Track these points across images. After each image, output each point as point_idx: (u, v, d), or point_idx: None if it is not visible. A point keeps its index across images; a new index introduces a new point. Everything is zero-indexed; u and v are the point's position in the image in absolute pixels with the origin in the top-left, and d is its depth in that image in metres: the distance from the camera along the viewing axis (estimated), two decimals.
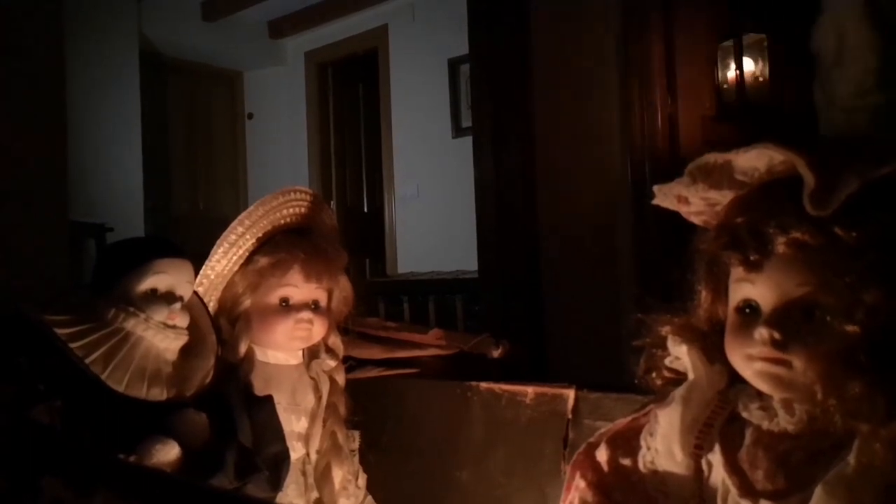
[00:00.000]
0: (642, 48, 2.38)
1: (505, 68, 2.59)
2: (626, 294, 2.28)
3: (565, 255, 2.43)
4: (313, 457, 1.39)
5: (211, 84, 6.57)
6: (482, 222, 2.71)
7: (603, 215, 2.37)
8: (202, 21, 6.04)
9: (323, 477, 1.39)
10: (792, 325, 0.78)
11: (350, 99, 6.59)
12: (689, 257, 0.91)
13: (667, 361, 0.92)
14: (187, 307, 1.24)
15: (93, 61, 4.99)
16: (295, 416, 1.39)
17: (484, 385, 1.46)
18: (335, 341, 1.45)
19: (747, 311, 0.82)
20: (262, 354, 1.40)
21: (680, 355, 0.90)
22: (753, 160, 0.82)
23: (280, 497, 1.29)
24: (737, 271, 0.83)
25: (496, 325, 2.48)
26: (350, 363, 1.51)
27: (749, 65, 2.63)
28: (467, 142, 3.04)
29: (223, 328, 1.36)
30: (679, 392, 0.88)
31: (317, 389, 1.42)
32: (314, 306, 1.40)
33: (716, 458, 0.84)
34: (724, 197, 0.86)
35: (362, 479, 1.46)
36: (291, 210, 1.41)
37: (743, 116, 2.55)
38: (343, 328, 1.48)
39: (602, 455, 0.92)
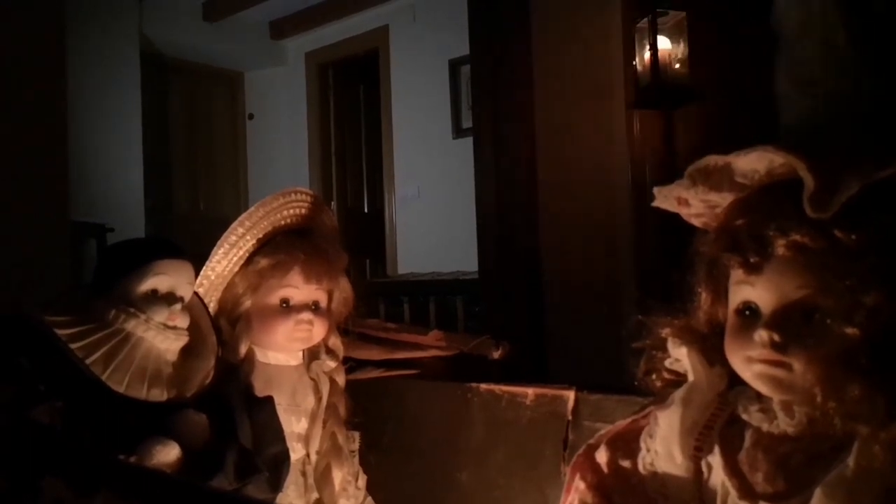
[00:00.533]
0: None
1: (506, 69, 2.59)
2: (627, 295, 2.28)
3: (565, 255, 2.43)
4: (313, 458, 1.39)
5: (212, 84, 6.57)
6: (482, 223, 2.71)
7: (603, 216, 2.37)
8: (203, 21, 6.04)
9: (323, 478, 1.39)
10: (792, 327, 0.78)
11: (351, 99, 6.59)
12: (689, 259, 0.91)
13: (667, 363, 0.92)
14: (188, 308, 1.24)
15: (93, 61, 4.99)
16: (295, 416, 1.39)
17: (484, 386, 1.46)
18: (335, 342, 1.45)
19: (747, 313, 0.82)
20: (262, 355, 1.40)
21: (680, 357, 0.90)
22: (753, 162, 0.82)
23: (280, 498, 1.29)
24: (737, 273, 0.83)
25: (496, 327, 2.48)
26: (350, 364, 1.51)
27: (665, 45, 2.36)
28: (468, 142, 3.03)
29: (223, 329, 1.37)
30: (679, 394, 0.88)
31: (317, 390, 1.43)
32: (314, 307, 1.40)
33: (715, 460, 0.84)
34: (724, 199, 0.87)
35: (362, 480, 1.46)
36: (292, 211, 1.41)
37: (659, 102, 2.33)
38: (343, 329, 1.48)
39: (602, 457, 0.92)
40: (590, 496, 0.91)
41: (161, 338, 1.20)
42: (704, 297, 0.89)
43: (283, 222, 1.41)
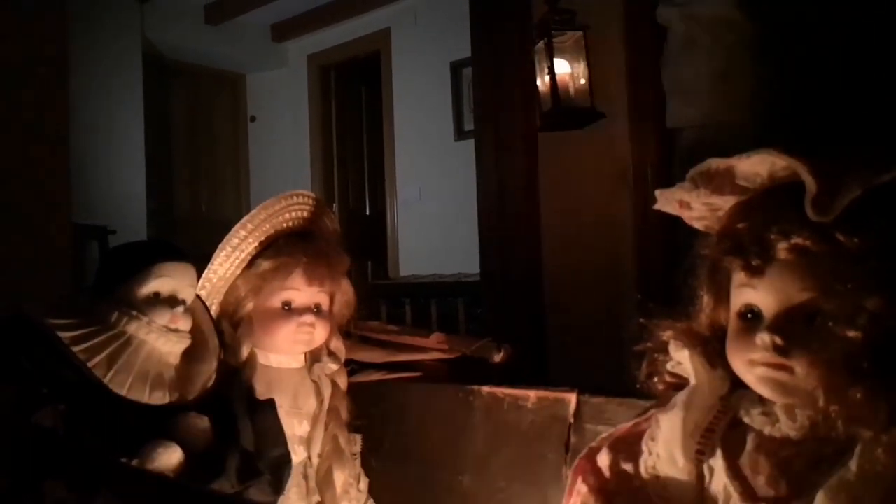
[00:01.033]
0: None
1: (507, 71, 2.59)
2: (629, 298, 2.27)
3: (567, 257, 2.43)
4: (315, 460, 1.39)
5: (213, 87, 6.57)
6: (484, 225, 2.71)
7: (605, 219, 2.37)
8: (205, 24, 6.05)
9: (324, 480, 1.39)
10: (794, 330, 0.78)
11: (352, 102, 6.59)
12: (691, 262, 0.91)
13: (668, 366, 0.92)
14: (190, 311, 1.24)
15: (96, 64, 5.00)
16: (297, 419, 1.39)
17: (486, 389, 1.45)
18: (337, 345, 1.45)
19: (749, 316, 0.82)
20: (264, 358, 1.40)
21: (682, 360, 0.90)
22: (755, 165, 0.82)
23: (282, 501, 1.29)
24: (739, 276, 0.83)
25: (498, 329, 2.48)
26: (352, 367, 1.51)
27: (563, 67, 2.31)
28: (469, 145, 3.03)
29: (225, 332, 1.37)
30: (681, 397, 0.88)
31: (318, 393, 1.43)
32: (316, 310, 1.40)
33: (717, 463, 0.84)
34: (725, 202, 0.87)
35: (364, 483, 1.46)
36: (293, 214, 1.41)
37: (563, 123, 2.29)
38: (345, 332, 1.48)
39: (603, 460, 0.92)
40: (591, 499, 0.90)
41: (163, 340, 1.20)
42: (706, 301, 0.89)
43: (284, 225, 1.41)
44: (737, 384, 0.86)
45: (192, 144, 6.39)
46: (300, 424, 1.39)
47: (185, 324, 1.23)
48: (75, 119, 3.12)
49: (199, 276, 1.31)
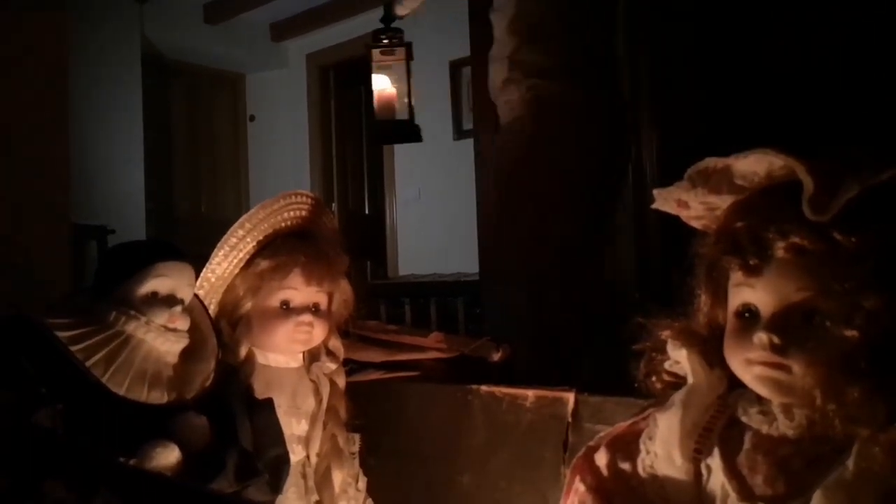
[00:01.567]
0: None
1: None
2: (627, 297, 2.28)
3: (566, 257, 2.42)
4: (313, 460, 1.39)
5: (213, 86, 6.58)
6: (483, 224, 2.71)
7: (604, 218, 2.37)
8: (204, 23, 6.05)
9: (323, 480, 1.39)
10: (791, 329, 0.78)
11: (351, 101, 6.58)
12: (688, 261, 0.91)
13: (666, 365, 0.92)
14: (188, 310, 1.24)
15: (95, 63, 5.00)
16: (295, 419, 1.39)
17: (484, 388, 1.46)
18: (336, 344, 1.45)
19: (747, 315, 0.82)
20: (262, 357, 1.40)
21: (679, 359, 0.90)
22: (753, 165, 0.82)
23: (280, 500, 1.29)
24: (736, 276, 0.83)
25: (496, 328, 2.47)
26: (350, 366, 1.51)
27: (382, 83, 2.37)
28: (468, 144, 3.04)
29: (224, 331, 1.37)
30: (678, 396, 0.88)
31: (317, 392, 1.42)
32: (315, 309, 1.40)
33: (715, 462, 0.84)
34: (723, 201, 0.87)
35: (362, 482, 1.46)
36: (292, 213, 1.41)
37: (388, 138, 2.39)
38: (344, 331, 1.48)
39: (601, 459, 0.92)
40: (589, 498, 0.90)
41: (161, 340, 1.20)
42: (704, 300, 0.89)
43: (283, 224, 1.41)
44: (734, 383, 0.86)
45: (192, 144, 6.40)
46: (298, 424, 1.39)
47: (183, 323, 1.22)
48: (74, 119, 3.12)
49: (197, 276, 1.31)
